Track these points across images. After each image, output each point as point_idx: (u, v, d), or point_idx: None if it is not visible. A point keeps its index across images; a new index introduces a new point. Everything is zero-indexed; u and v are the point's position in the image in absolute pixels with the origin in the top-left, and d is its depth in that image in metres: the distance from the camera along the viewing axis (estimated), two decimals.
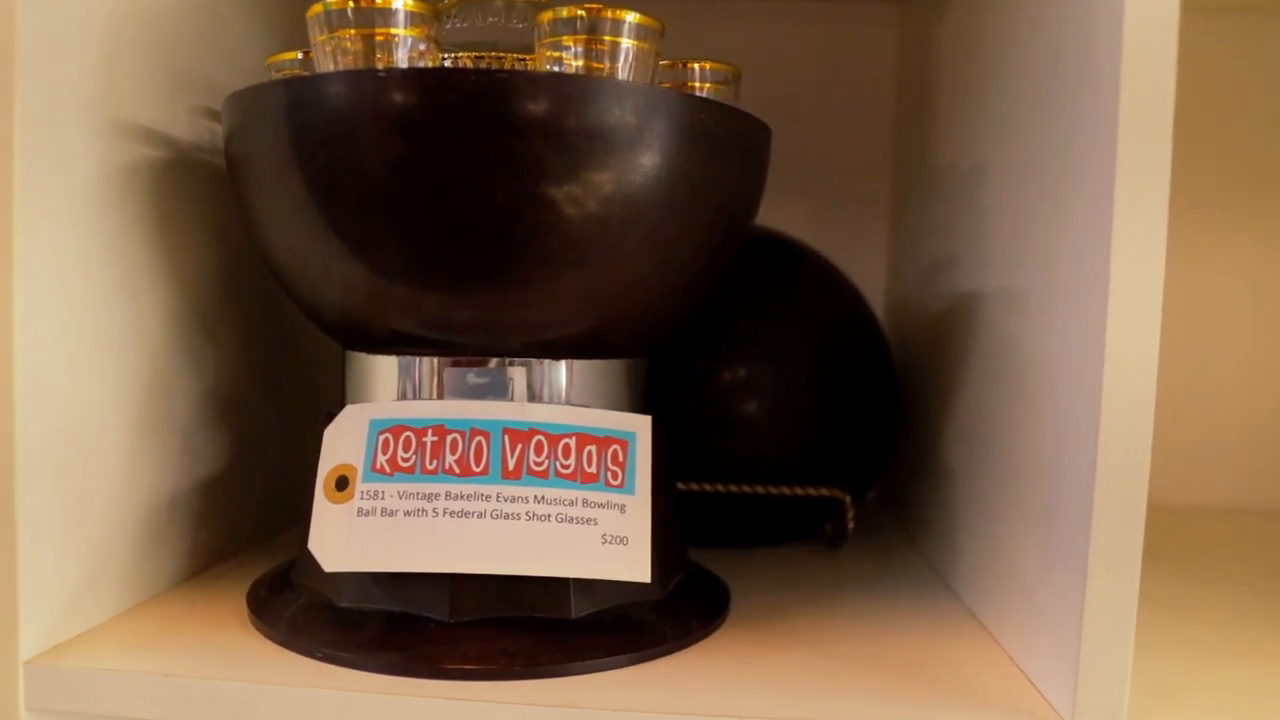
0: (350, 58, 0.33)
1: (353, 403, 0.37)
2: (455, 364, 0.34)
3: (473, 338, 0.34)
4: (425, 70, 0.32)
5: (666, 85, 0.38)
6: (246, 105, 0.33)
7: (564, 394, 0.35)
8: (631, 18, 0.32)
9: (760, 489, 0.45)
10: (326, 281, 0.34)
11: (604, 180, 0.31)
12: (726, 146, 0.34)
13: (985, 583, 0.39)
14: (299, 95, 0.31)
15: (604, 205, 0.31)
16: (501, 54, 0.35)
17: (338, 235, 0.32)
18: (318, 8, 0.32)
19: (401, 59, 0.33)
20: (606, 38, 0.32)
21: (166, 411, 0.38)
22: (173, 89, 0.38)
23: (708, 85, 0.38)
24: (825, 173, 0.65)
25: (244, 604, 0.37)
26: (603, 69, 0.33)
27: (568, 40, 0.33)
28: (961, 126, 0.46)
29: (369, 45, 0.32)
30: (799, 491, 0.46)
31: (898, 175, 0.64)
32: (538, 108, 0.30)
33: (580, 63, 0.33)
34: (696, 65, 0.38)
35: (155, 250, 0.37)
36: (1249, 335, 0.64)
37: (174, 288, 0.39)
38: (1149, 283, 0.28)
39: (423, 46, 0.33)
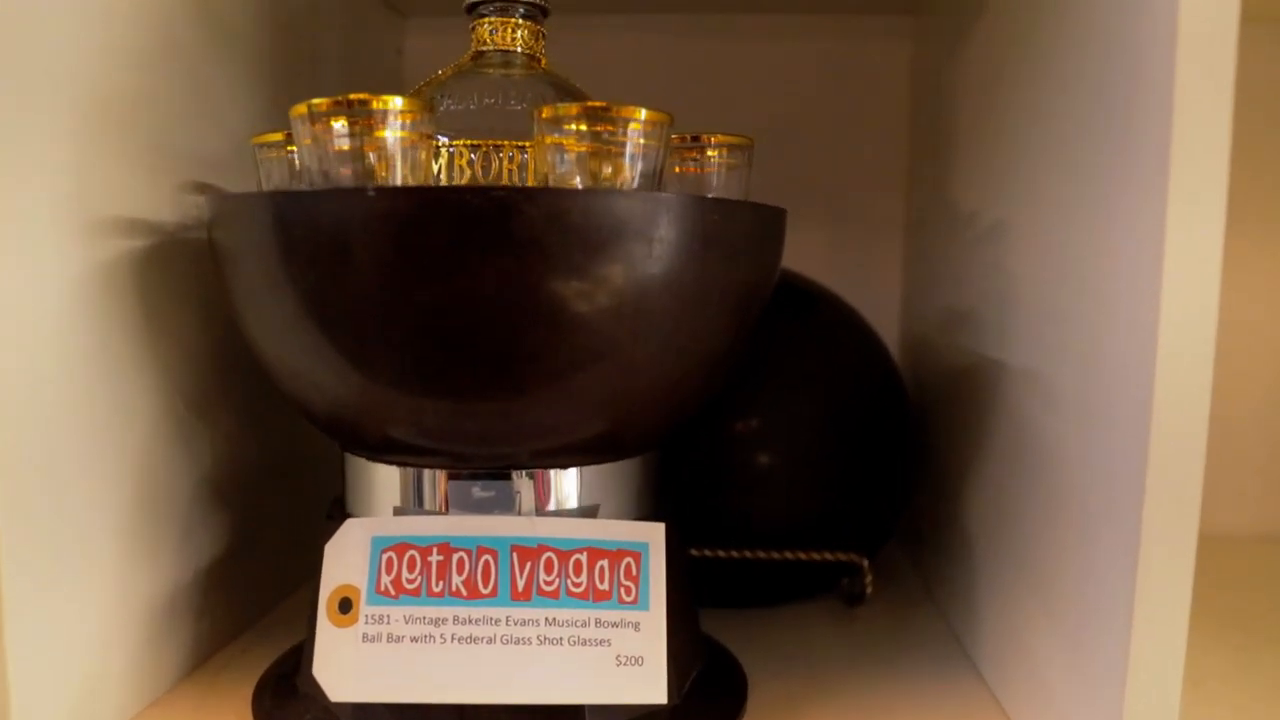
0: (338, 160, 0.30)
1: (352, 504, 0.35)
2: (459, 476, 0.33)
3: (476, 448, 0.32)
4: (418, 189, 0.30)
5: (675, 164, 0.36)
6: (230, 216, 0.31)
7: (575, 499, 0.34)
8: (639, 116, 0.30)
9: (776, 555, 0.44)
10: (319, 393, 0.32)
11: (612, 294, 0.29)
12: (741, 243, 0.32)
13: (1006, 668, 0.38)
14: (285, 212, 0.29)
15: (613, 319, 0.30)
16: (499, 141, 0.33)
17: (329, 347, 0.30)
18: (301, 108, 0.30)
19: (394, 159, 0.31)
20: (614, 138, 0.30)
21: (164, 503, 0.37)
22: (154, 168, 0.36)
23: (719, 159, 0.36)
24: (836, 194, 0.63)
25: (248, 709, 0.36)
26: (609, 159, 0.31)
27: (572, 134, 0.31)
28: (984, 164, 0.44)
29: (357, 145, 0.30)
30: (815, 557, 0.44)
31: (912, 197, 0.61)
32: (538, 225, 0.28)
33: (585, 147, 0.31)
34: (709, 140, 0.36)
35: (142, 340, 0.36)
36: (1270, 350, 0.63)
37: (164, 375, 0.37)
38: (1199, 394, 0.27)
39: (416, 136, 0.31)
